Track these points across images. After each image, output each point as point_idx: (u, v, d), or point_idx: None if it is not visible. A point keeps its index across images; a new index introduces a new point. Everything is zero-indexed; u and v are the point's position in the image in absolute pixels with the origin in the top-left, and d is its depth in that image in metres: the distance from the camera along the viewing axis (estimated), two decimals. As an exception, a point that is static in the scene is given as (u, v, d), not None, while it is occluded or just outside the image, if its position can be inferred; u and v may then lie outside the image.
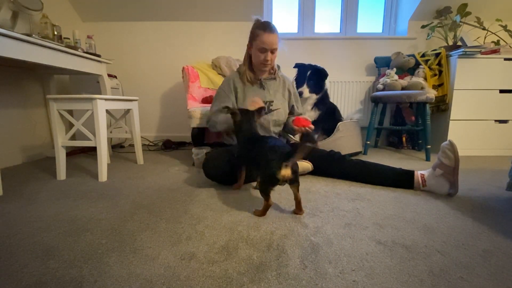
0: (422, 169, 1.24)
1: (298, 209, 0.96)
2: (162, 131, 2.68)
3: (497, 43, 2.20)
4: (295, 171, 0.88)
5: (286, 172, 0.85)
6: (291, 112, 1.54)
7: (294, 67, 2.00)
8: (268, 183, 0.91)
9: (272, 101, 1.44)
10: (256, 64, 1.41)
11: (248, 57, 1.43)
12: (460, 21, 2.15)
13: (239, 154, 1.17)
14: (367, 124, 2.13)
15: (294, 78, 1.98)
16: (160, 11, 2.38)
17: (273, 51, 1.34)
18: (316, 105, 1.93)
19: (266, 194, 0.92)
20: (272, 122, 1.44)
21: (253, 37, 1.34)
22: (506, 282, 0.60)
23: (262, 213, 0.94)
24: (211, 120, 1.44)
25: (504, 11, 2.31)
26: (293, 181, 0.90)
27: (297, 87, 1.87)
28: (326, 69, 1.92)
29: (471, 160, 1.88)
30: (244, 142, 1.11)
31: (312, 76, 1.87)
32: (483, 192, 1.19)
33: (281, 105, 1.46)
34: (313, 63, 1.95)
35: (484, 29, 2.19)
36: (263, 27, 1.30)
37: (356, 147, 2.00)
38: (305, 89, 1.86)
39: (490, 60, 1.97)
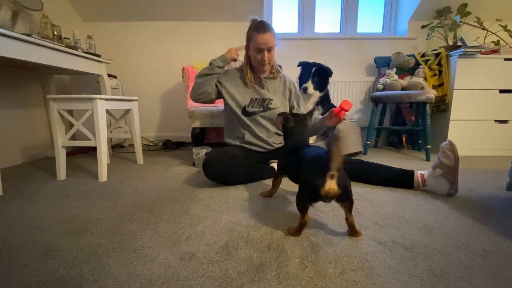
0: (422, 169, 1.24)
1: (353, 232, 0.81)
2: (162, 131, 2.68)
3: (497, 43, 2.20)
4: (345, 187, 0.73)
5: (331, 185, 0.69)
6: (291, 111, 1.54)
7: (298, 66, 1.99)
8: (307, 198, 0.77)
9: (272, 99, 1.45)
10: (255, 64, 1.43)
11: (248, 58, 1.44)
12: (460, 21, 2.15)
13: (280, 161, 1.09)
14: (367, 124, 2.13)
15: (298, 76, 1.97)
16: (160, 11, 2.38)
17: (269, 50, 1.35)
18: (320, 103, 1.92)
19: (303, 210, 0.78)
20: (270, 121, 1.44)
21: (249, 38, 1.38)
22: (506, 282, 0.60)
23: (297, 231, 0.80)
24: (195, 82, 1.43)
25: (504, 11, 2.31)
26: (343, 198, 0.75)
27: (301, 84, 1.86)
28: (328, 68, 1.91)
29: (471, 160, 1.88)
30: (288, 150, 1.01)
31: (317, 73, 1.86)
32: (483, 192, 1.19)
33: (280, 103, 1.46)
34: (317, 62, 1.94)
35: (484, 29, 2.19)
36: (257, 28, 1.32)
37: (356, 147, 2.00)
38: (310, 85, 1.84)
39: (490, 60, 1.97)
